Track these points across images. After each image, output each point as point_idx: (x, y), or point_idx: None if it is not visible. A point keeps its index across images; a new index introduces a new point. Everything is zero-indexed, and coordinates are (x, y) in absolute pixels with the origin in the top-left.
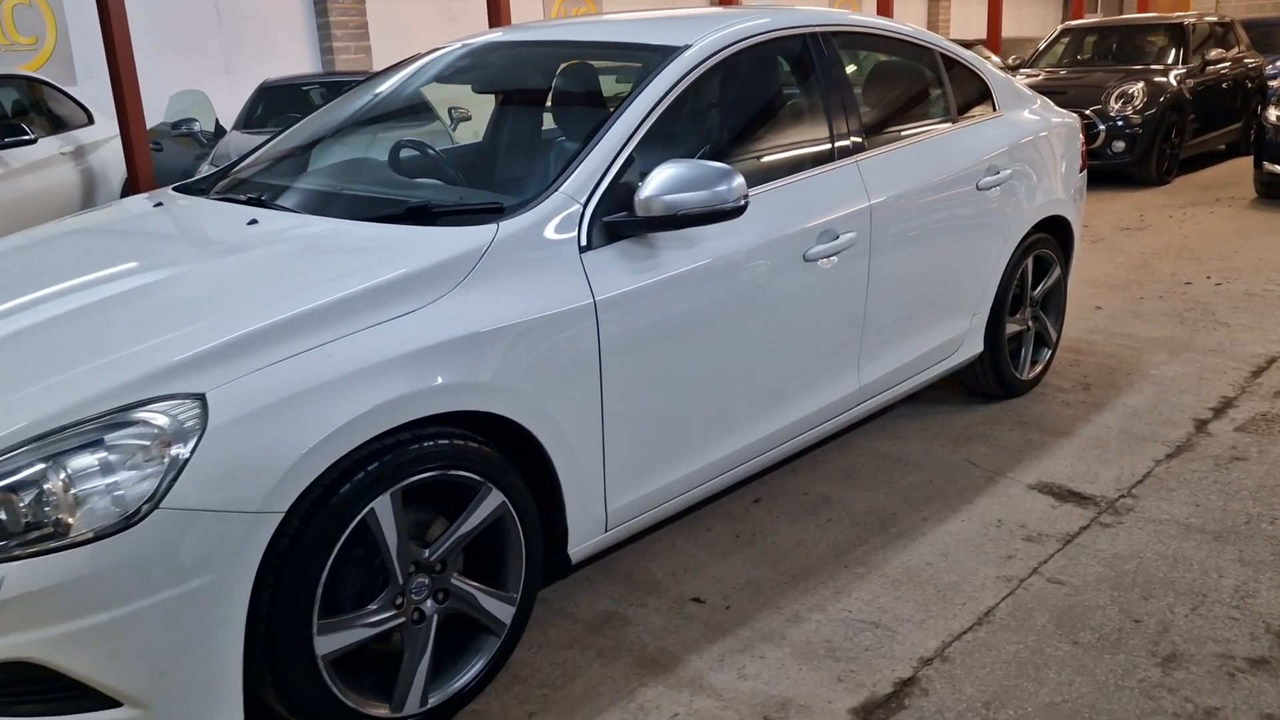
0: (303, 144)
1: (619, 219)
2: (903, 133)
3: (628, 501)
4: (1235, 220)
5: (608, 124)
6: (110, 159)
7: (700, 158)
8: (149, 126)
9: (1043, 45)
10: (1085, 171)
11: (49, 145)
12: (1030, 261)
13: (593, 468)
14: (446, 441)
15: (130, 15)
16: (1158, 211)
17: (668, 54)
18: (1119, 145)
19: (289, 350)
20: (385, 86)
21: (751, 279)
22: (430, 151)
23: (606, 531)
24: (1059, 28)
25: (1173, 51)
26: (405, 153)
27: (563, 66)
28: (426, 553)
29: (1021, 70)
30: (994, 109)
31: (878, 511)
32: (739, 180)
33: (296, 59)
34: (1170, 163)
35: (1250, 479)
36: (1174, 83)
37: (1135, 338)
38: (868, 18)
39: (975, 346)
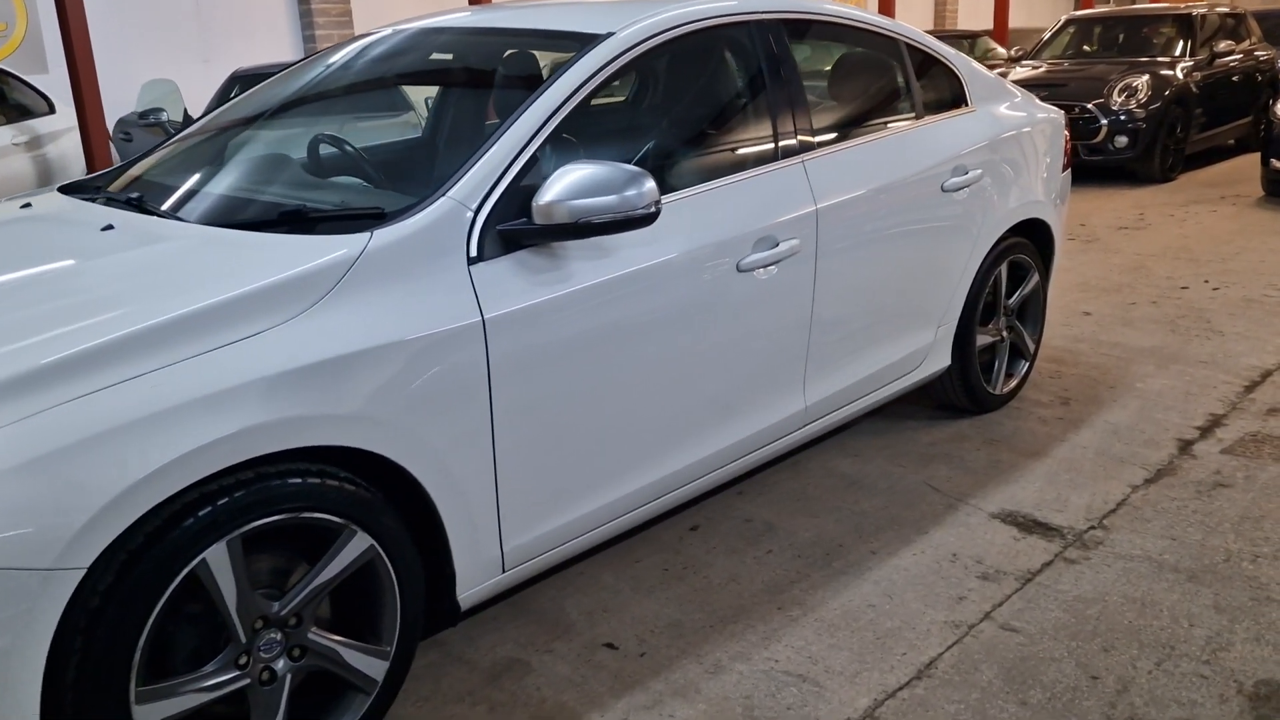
0: (222, 137)
1: (516, 227)
2: (858, 130)
3: (528, 540)
4: (1239, 220)
5: (508, 122)
6: (70, 149)
7: (623, 158)
8: (121, 116)
9: (1046, 36)
10: (1069, 171)
11: (1, 135)
12: (1004, 268)
13: (484, 504)
14: (299, 481)
15: (106, 3)
16: (1159, 210)
17: (586, 43)
18: (1121, 140)
19: (100, 381)
20: (313, 76)
21: (675, 292)
22: (349, 148)
23: (504, 573)
24: (1063, 18)
25: (1180, 43)
26: (325, 150)
27: (470, 58)
28: (277, 605)
29: (1024, 62)
30: (966, 104)
31: (824, 542)
32: (650, 184)
33: (277, 47)
34: (1175, 159)
35: (1234, 509)
36: (1180, 76)
37: (1123, 347)
38: (823, 4)
39: (941, 360)
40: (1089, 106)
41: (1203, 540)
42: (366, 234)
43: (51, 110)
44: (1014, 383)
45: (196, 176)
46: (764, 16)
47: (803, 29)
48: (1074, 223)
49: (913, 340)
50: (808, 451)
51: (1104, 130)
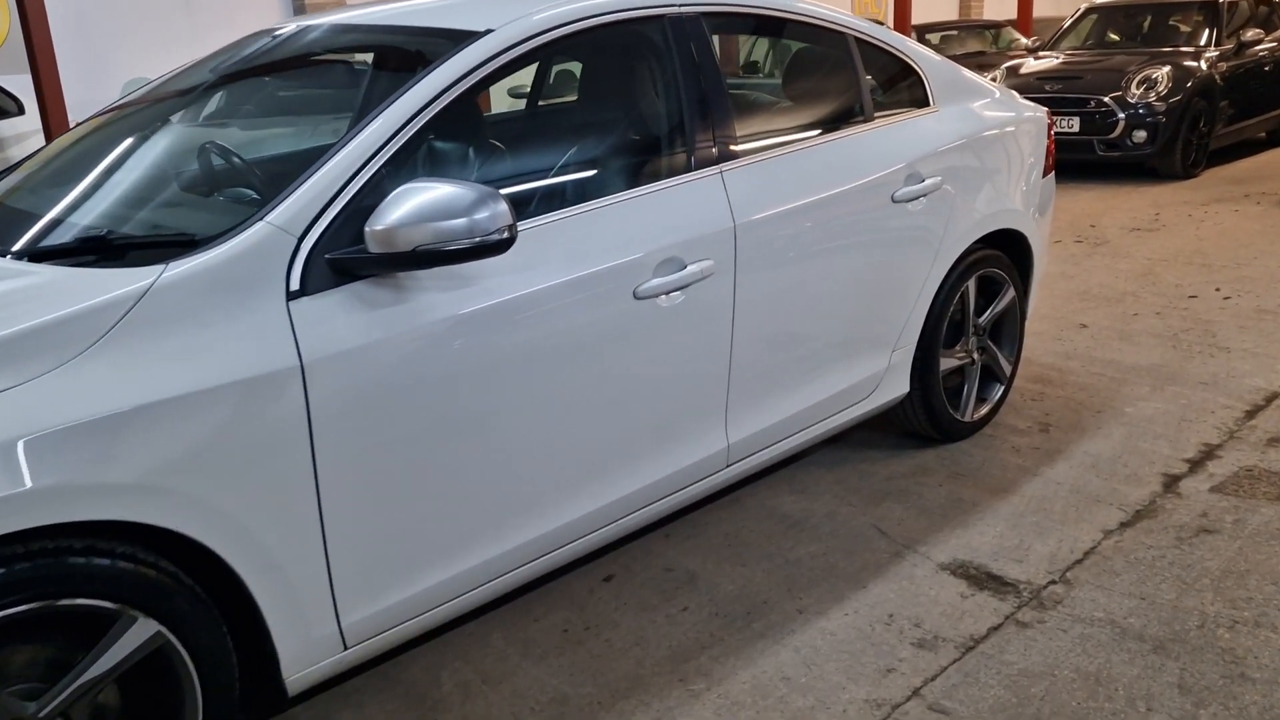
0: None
1: (350, 256)
2: (792, 136)
3: (374, 612)
4: (1261, 220)
5: (347, 135)
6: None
7: (501, 173)
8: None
9: (1065, 26)
10: (1052, 176)
11: None
12: (972, 284)
13: (311, 576)
14: (51, 560)
15: (100, 12)
16: (1176, 209)
17: (460, 41)
18: (1140, 135)
19: None
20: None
21: (554, 324)
22: (236, 160)
23: (346, 649)
24: (1083, 6)
25: (1206, 32)
26: (215, 161)
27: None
28: (34, 706)
29: (1040, 53)
30: (928, 104)
31: (748, 597)
32: (501, 207)
33: None
34: (1198, 154)
35: (1216, 561)
36: (1204, 66)
37: (1117, 365)
38: None
39: (899, 387)
40: (1105, 100)
41: (1176, 600)
42: (159, 267)
43: (20, 111)
44: (986, 409)
45: (32, 197)
46: (680, 10)
47: (728, 23)
48: (1084, 223)
49: (862, 366)
50: (750, 486)
51: (1121, 125)
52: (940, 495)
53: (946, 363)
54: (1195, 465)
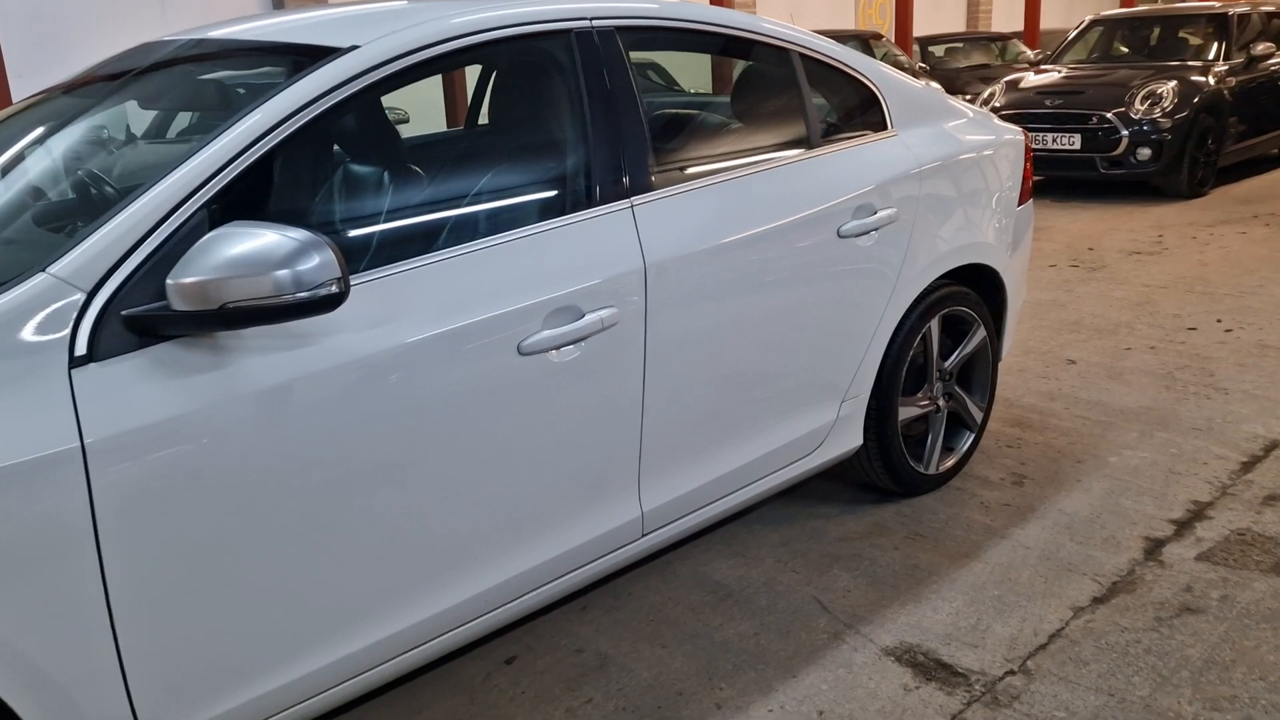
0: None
1: (150, 313)
2: (723, 164)
3: None
4: (1268, 244)
5: (165, 173)
6: None
7: (360, 213)
8: None
9: (1069, 39)
10: (1030, 204)
11: None
12: (936, 325)
13: (104, 699)
14: None
15: (69, 5)
16: (1180, 231)
17: (317, 59)
18: (1144, 152)
19: None
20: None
21: (419, 387)
22: (110, 189)
23: None
24: (1087, 19)
25: (1215, 46)
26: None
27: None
28: None
29: (1042, 66)
30: (886, 128)
31: (663, 686)
32: (328, 257)
33: None
34: (1206, 172)
35: (1198, 648)
36: (1211, 81)
37: (1104, 408)
38: (684, 6)
39: (850, 440)
40: (1108, 116)
41: (1150, 698)
42: None
43: None
44: (953, 460)
45: None
46: (590, 25)
47: (650, 38)
48: (1082, 246)
49: (805, 420)
50: (685, 548)
51: (1124, 142)
52: (895, 561)
53: (907, 411)
54: (1182, 527)
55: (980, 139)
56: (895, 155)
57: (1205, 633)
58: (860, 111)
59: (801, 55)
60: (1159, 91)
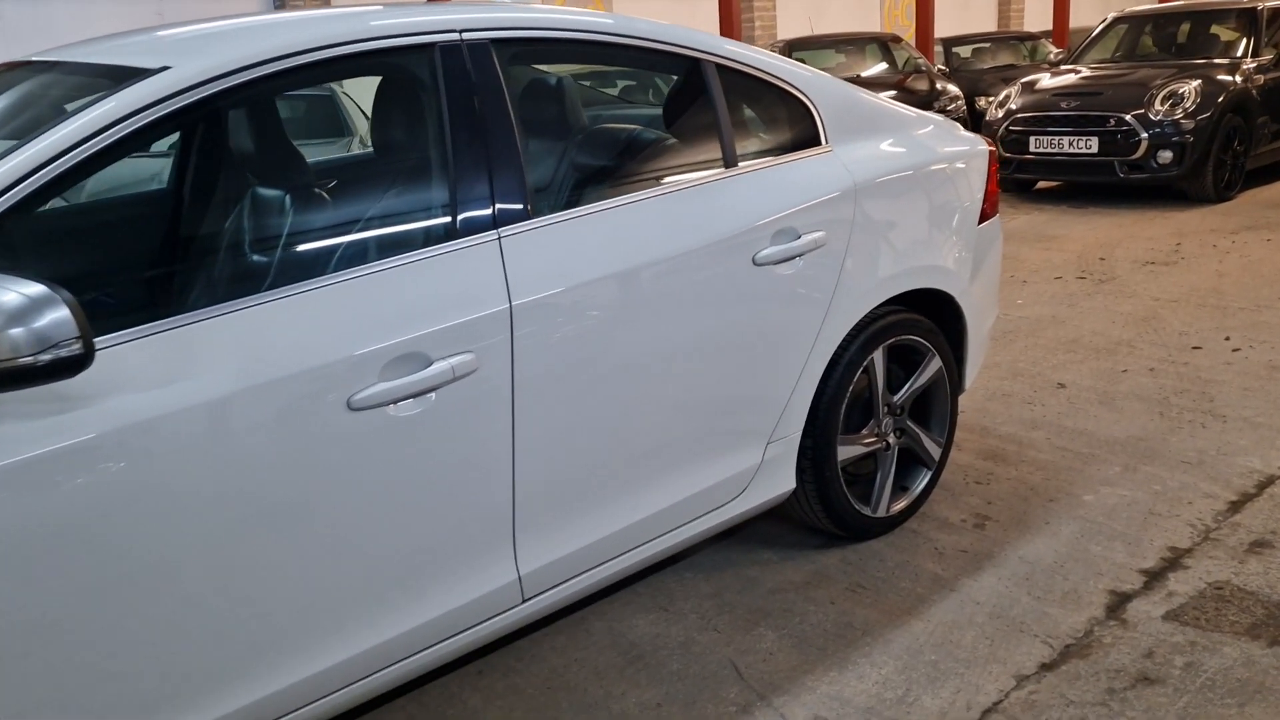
0: None
1: None
2: (613, 189)
3: None
4: None
5: None
6: None
7: (161, 254)
8: None
9: (1091, 37)
10: (996, 221)
11: None
12: (880, 356)
13: None
14: None
15: (64, 11)
16: (1200, 239)
17: (120, 82)
18: (1165, 155)
19: None
20: None
21: (222, 451)
22: None
23: None
24: (1110, 16)
25: (1243, 42)
26: None
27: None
28: None
29: (1062, 66)
30: (819, 143)
31: None
32: (61, 314)
33: None
34: (1233, 175)
35: None
36: (1238, 80)
37: (1089, 438)
38: (576, 14)
39: (781, 484)
40: (1126, 118)
41: None
42: None
43: None
44: (905, 501)
45: None
46: (461, 37)
47: (534, 51)
48: (1093, 256)
49: (723, 465)
50: (606, 600)
51: (1144, 144)
52: (828, 618)
53: (850, 450)
54: (1153, 579)
55: (935, 152)
56: (827, 173)
57: (1161, 709)
58: (789, 127)
59: (718, 66)
60: (1181, 91)
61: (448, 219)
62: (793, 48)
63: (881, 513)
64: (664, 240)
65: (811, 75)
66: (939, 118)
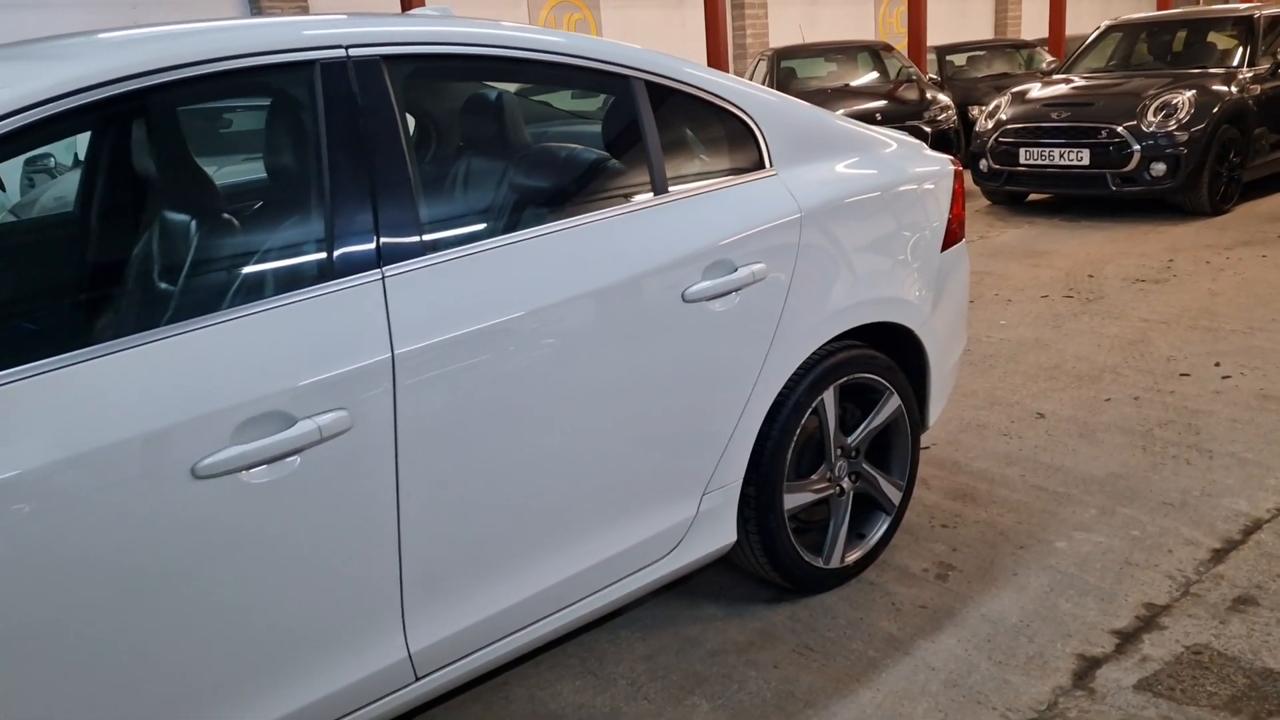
0: None
1: None
2: (528, 220)
3: None
4: None
5: None
6: None
7: None
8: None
9: (1083, 46)
10: (962, 246)
11: None
12: (831, 396)
13: None
14: None
15: (37, 18)
16: (1194, 254)
17: None
18: (1158, 168)
19: None
20: None
21: (36, 536)
22: None
23: None
24: (1103, 25)
25: (1239, 51)
26: None
27: None
28: None
29: (1054, 76)
30: (763, 167)
31: None
32: None
33: None
34: (1228, 188)
35: None
36: (1233, 90)
37: (1065, 475)
38: (484, 26)
39: (720, 537)
40: (1118, 129)
41: None
42: None
43: None
44: (860, 551)
45: None
46: (347, 54)
47: (437, 68)
48: (1082, 273)
49: (651, 520)
50: (531, 664)
51: (1137, 156)
52: (769, 685)
53: (798, 498)
54: (1126, 642)
55: (895, 174)
56: (769, 200)
57: None
58: (728, 149)
59: (648, 84)
60: (1174, 102)
61: (322, 257)
62: (781, 57)
63: (835, 563)
64: (578, 277)
65: (756, 93)
66: (904, 136)
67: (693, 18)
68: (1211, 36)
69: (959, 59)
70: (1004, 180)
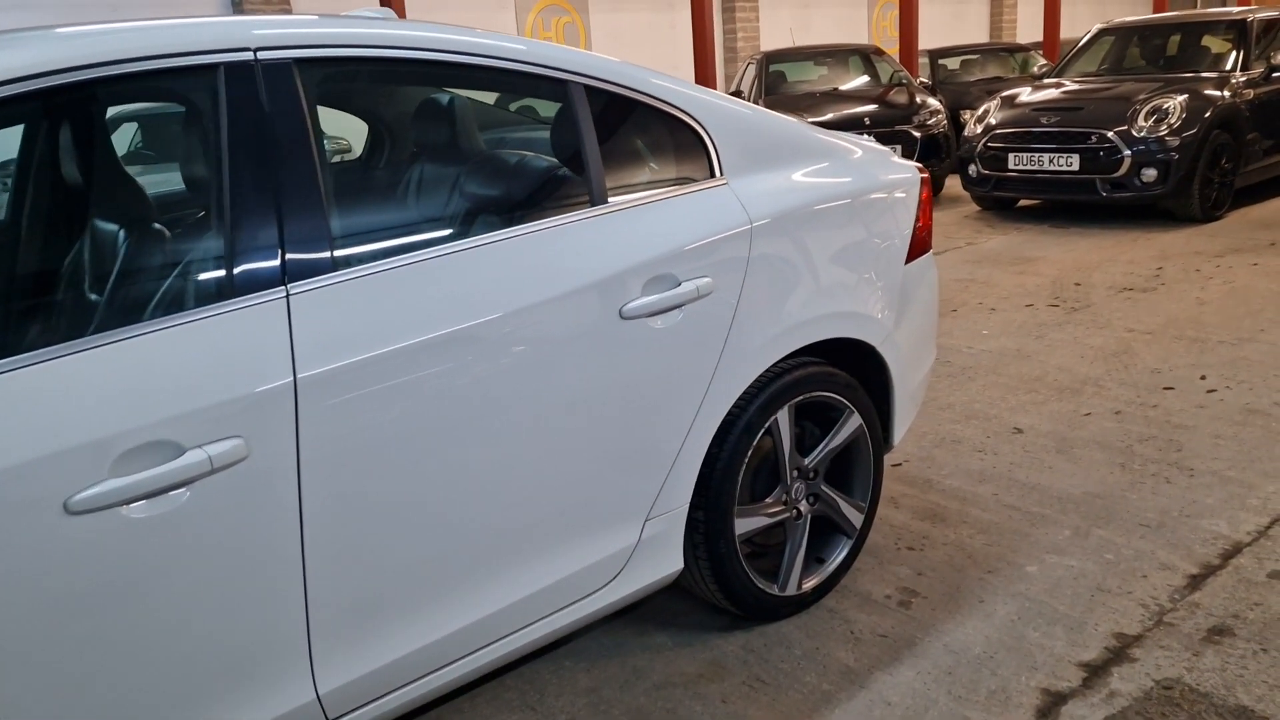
0: None
1: None
2: (456, 231)
3: None
4: None
5: None
6: None
7: None
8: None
9: (1075, 49)
10: (928, 258)
11: None
12: (786, 415)
13: None
14: None
15: (12, 20)
16: (1183, 262)
17: None
18: (1149, 173)
19: None
20: None
21: None
22: None
23: None
24: (1095, 28)
25: (1232, 55)
26: None
27: None
28: None
29: (1045, 80)
30: (713, 176)
31: None
32: None
33: None
34: (1220, 194)
35: None
36: (1226, 95)
37: (1041, 494)
38: (418, 29)
39: (666, 564)
40: (1108, 135)
41: None
42: None
43: None
44: (818, 578)
45: None
46: (255, 56)
47: (357, 72)
48: (1069, 281)
49: (588, 548)
50: (468, 696)
51: (1127, 162)
52: (718, 719)
53: (751, 522)
54: (1094, 675)
55: (856, 183)
56: (718, 210)
57: None
58: (675, 157)
59: (587, 89)
60: (1165, 107)
61: (220, 274)
62: (770, 60)
63: (791, 590)
64: (506, 293)
65: (707, 99)
66: (871, 144)
67: (682, 20)
68: (1205, 40)
69: (952, 62)
70: (993, 185)
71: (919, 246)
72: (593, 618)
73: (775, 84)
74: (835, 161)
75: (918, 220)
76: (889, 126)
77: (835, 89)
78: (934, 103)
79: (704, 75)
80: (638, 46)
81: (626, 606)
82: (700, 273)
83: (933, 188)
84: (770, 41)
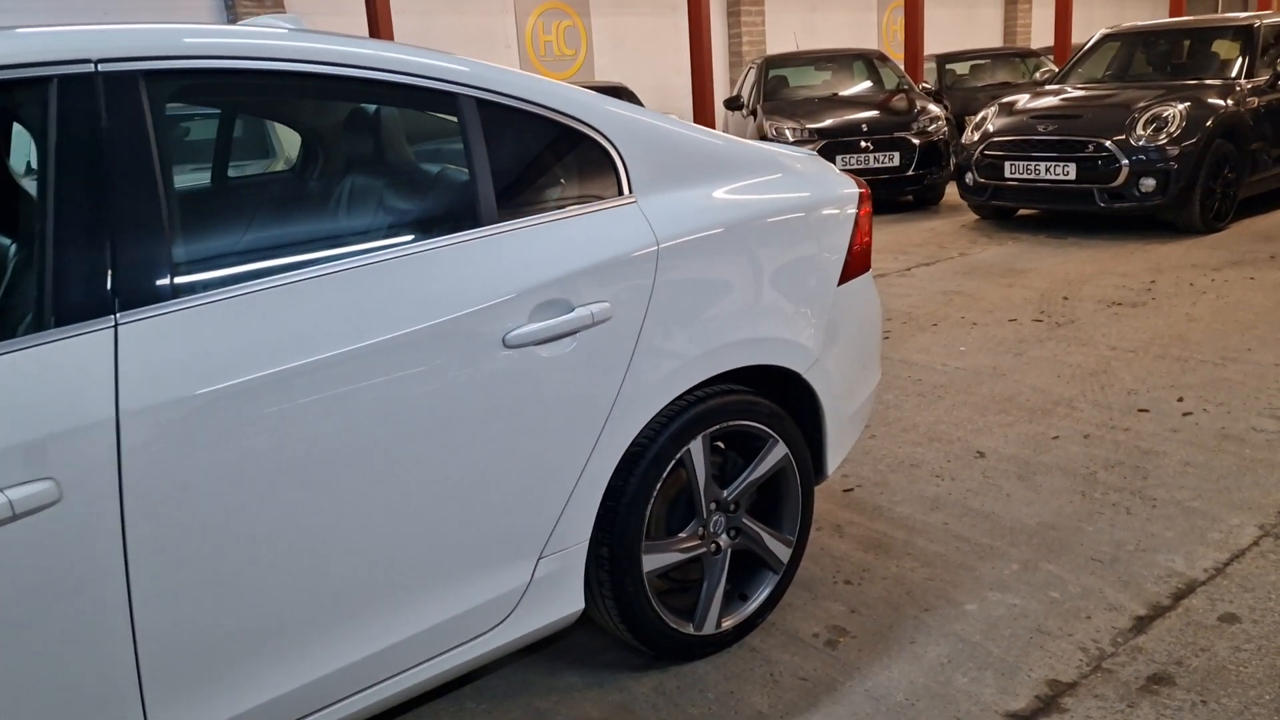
0: None
1: None
2: (324, 254)
3: None
4: (1277, 293)
5: None
6: None
7: None
8: None
9: (1078, 55)
10: (866, 279)
11: None
12: (699, 446)
13: None
14: None
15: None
16: (1177, 276)
17: None
18: (1148, 184)
19: None
20: None
21: None
22: None
23: None
24: (1100, 33)
25: (1237, 62)
26: None
27: None
28: None
29: (1046, 87)
30: (621, 193)
31: None
32: None
33: None
34: (1224, 204)
35: None
36: (1229, 102)
37: (993, 524)
38: (289, 39)
39: (565, 604)
40: (1106, 143)
41: None
42: None
43: None
44: (737, 618)
45: None
46: (95, 68)
47: (214, 86)
48: (1057, 295)
49: (472, 589)
50: None
51: (1125, 172)
52: None
53: (662, 558)
54: None
55: (782, 201)
56: (621, 231)
57: None
58: (579, 175)
59: (479, 101)
60: (1165, 115)
61: (43, 302)
62: (771, 65)
63: (709, 629)
64: (374, 320)
65: (615, 112)
66: (812, 157)
67: (685, 24)
68: (1211, 46)
69: (960, 68)
70: (990, 194)
71: (856, 266)
72: (486, 659)
73: (775, 89)
74: (765, 178)
75: (854, 239)
76: (887, 133)
77: (835, 94)
78: (935, 109)
79: (700, 80)
80: (640, 50)
81: (538, 642)
82: (598, 298)
83: (932, 195)
84: (776, 46)
